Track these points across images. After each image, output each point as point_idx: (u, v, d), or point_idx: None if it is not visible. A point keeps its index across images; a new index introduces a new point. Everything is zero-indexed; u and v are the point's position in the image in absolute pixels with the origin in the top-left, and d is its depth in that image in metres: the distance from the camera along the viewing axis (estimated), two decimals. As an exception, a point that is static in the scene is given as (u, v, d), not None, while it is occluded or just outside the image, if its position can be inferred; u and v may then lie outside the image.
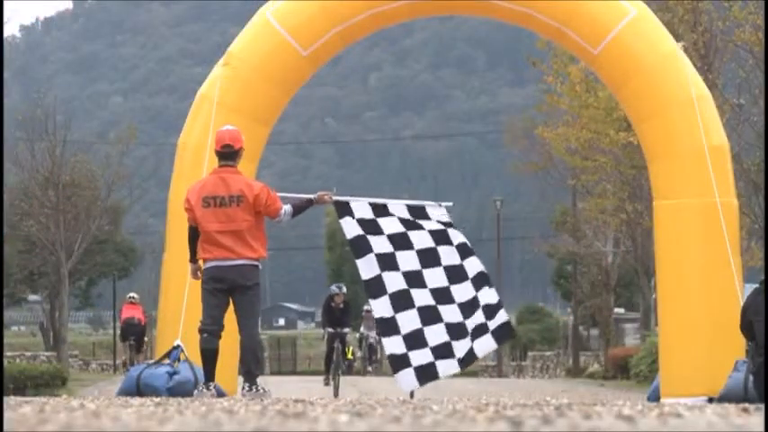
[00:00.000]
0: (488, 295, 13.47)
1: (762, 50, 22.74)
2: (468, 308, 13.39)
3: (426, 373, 13.23)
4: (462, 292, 13.43)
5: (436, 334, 13.27)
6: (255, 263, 11.75)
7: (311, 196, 12.61)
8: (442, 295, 13.37)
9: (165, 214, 15.45)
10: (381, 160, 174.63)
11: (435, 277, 13.41)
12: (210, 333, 11.75)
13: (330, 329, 22.82)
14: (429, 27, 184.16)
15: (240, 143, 11.98)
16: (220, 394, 12.04)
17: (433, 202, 13.96)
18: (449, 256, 13.49)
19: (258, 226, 11.78)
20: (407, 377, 13.27)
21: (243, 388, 11.75)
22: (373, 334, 35.21)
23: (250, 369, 11.74)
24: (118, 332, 55.63)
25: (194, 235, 11.84)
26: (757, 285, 12.81)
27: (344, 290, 23.17)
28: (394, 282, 13.28)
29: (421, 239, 13.49)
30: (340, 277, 59.19)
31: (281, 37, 15.54)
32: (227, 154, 11.92)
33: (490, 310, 13.40)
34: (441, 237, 13.54)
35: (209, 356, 11.82)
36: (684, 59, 15.63)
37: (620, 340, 41.92)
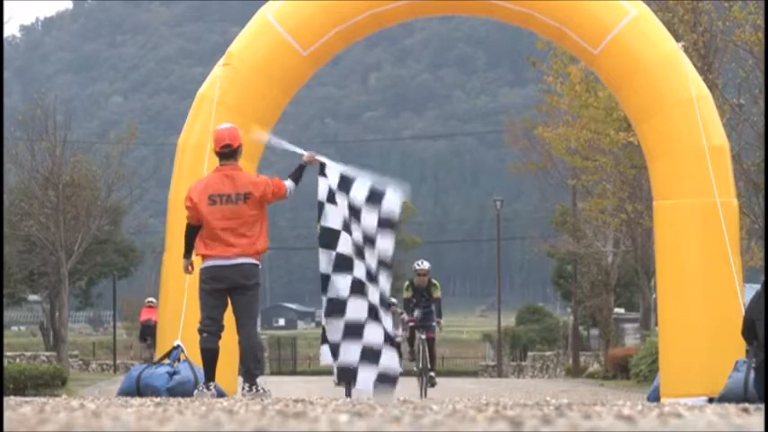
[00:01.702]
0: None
1: (762, 50, 22.73)
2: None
3: (345, 374, 12.94)
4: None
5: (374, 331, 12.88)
6: (256, 261, 11.78)
7: (302, 158, 12.67)
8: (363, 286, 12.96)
9: (166, 214, 15.45)
10: (381, 160, 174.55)
11: (360, 270, 13.17)
12: (210, 333, 11.74)
13: None
14: (429, 27, 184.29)
15: (239, 140, 11.98)
16: (220, 394, 12.04)
17: (392, 193, 13.10)
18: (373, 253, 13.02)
19: (263, 219, 11.87)
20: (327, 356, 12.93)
21: (243, 388, 11.74)
22: (399, 332, 32.49)
23: (249, 369, 11.73)
24: (119, 332, 56.14)
25: (192, 232, 11.84)
26: (758, 287, 12.79)
27: None
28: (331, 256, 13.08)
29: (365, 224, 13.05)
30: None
31: (281, 37, 15.55)
32: (228, 153, 11.91)
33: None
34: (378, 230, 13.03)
35: (210, 356, 11.82)
36: (684, 59, 15.63)
37: (620, 340, 41.90)
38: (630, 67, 15.41)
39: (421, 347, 19.46)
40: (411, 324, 19.60)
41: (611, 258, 41.03)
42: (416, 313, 19.58)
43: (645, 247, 33.66)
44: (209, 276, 11.70)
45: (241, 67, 15.45)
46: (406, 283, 19.88)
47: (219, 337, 11.78)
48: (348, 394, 17.98)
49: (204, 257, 11.73)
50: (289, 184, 12.16)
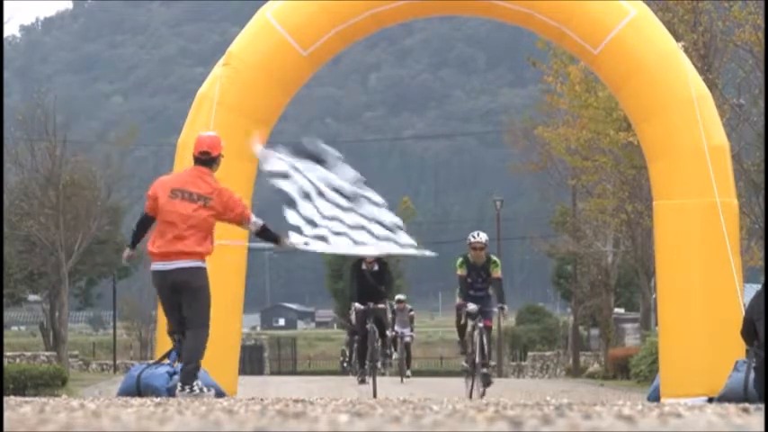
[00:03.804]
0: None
1: (762, 50, 22.73)
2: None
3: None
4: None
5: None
6: (202, 264, 11.62)
7: (287, 240, 11.79)
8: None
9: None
10: (381, 160, 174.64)
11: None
12: (181, 333, 11.79)
13: (359, 305, 16.83)
14: (429, 27, 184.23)
15: (218, 150, 11.91)
16: (220, 394, 12.03)
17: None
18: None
19: (212, 229, 11.71)
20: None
21: (181, 390, 11.57)
22: (408, 331, 29.74)
23: (191, 370, 11.58)
24: (119, 332, 56.03)
25: (144, 222, 11.93)
26: (758, 287, 12.79)
27: None
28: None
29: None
30: (340, 278, 58.92)
31: (281, 37, 15.55)
32: (204, 161, 11.85)
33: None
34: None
35: None
36: (684, 59, 15.63)
37: (620, 340, 41.88)
38: (630, 67, 15.41)
39: (478, 338, 16.39)
40: (467, 310, 16.55)
41: (611, 258, 41.00)
42: (470, 306, 16.48)
43: (645, 247, 33.63)
44: (155, 281, 11.77)
45: (241, 67, 15.45)
46: (459, 259, 16.77)
47: None
48: (375, 395, 16.84)
49: (151, 259, 11.73)
50: (255, 220, 11.81)
